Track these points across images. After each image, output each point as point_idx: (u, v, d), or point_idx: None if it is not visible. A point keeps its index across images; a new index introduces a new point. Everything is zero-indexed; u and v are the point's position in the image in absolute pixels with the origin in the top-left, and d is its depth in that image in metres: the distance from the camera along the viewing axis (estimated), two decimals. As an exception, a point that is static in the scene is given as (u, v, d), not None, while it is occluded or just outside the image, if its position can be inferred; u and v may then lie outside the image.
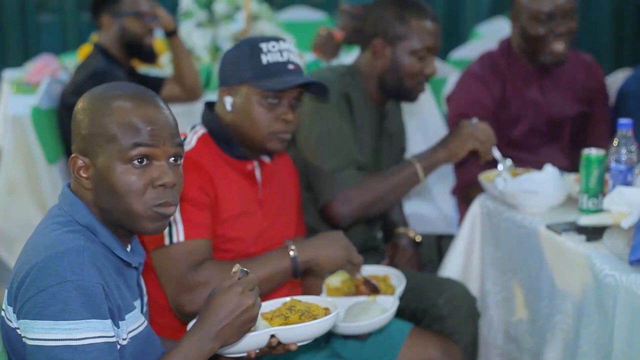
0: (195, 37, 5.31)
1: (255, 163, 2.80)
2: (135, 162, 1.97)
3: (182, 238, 2.58)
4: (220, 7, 5.30)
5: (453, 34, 7.88)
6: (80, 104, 2.02)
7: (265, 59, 2.68)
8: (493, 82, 3.73)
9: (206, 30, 5.32)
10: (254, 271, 2.32)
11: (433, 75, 3.28)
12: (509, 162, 3.24)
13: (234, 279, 2.07)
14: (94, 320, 1.85)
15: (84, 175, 1.99)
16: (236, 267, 2.09)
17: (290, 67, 2.71)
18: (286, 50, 2.72)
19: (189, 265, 2.57)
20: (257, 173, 2.80)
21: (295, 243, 2.67)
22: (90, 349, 1.84)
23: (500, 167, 3.24)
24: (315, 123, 3.09)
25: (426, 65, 3.24)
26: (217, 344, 2.03)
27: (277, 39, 2.73)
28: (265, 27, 5.33)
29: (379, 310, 2.68)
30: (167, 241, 2.58)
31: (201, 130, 2.76)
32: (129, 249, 2.08)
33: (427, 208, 4.75)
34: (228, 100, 2.72)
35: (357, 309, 2.71)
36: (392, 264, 3.34)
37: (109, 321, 1.89)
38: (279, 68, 2.69)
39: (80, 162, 1.99)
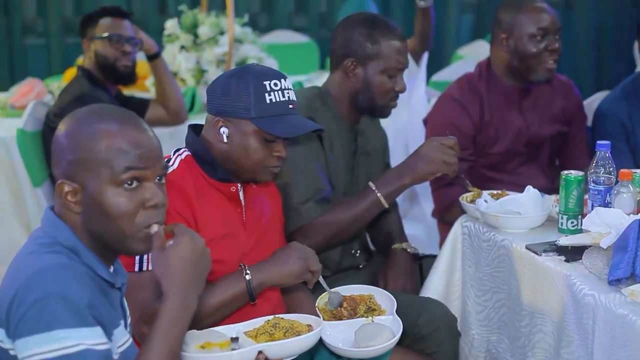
0: (179, 60, 5.35)
1: (239, 185, 2.82)
2: (126, 184, 2.00)
3: (151, 266, 2.59)
4: (204, 31, 5.33)
5: (435, 57, 7.92)
6: (63, 128, 2.03)
7: (268, 98, 2.70)
8: (472, 106, 3.78)
9: (190, 54, 5.35)
10: (210, 297, 2.46)
11: (403, 92, 3.32)
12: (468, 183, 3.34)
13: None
14: (84, 328, 1.87)
15: (72, 199, 2.00)
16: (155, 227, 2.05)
17: (290, 106, 2.75)
18: (287, 89, 2.75)
19: (156, 295, 2.58)
20: (241, 195, 2.82)
21: (251, 266, 2.69)
22: (87, 356, 1.86)
23: (466, 184, 3.31)
24: None
25: (396, 82, 3.28)
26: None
27: (278, 76, 2.75)
28: (249, 51, 5.36)
29: (389, 332, 2.67)
30: (137, 267, 2.60)
31: (185, 153, 2.78)
32: (111, 269, 2.10)
33: (418, 228, 4.79)
34: (224, 132, 2.73)
35: (366, 331, 2.69)
36: (386, 277, 3.36)
37: (99, 329, 1.91)
38: (281, 108, 2.72)
39: (67, 188, 2.00)
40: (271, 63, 5.43)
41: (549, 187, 3.65)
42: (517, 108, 3.83)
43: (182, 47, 5.40)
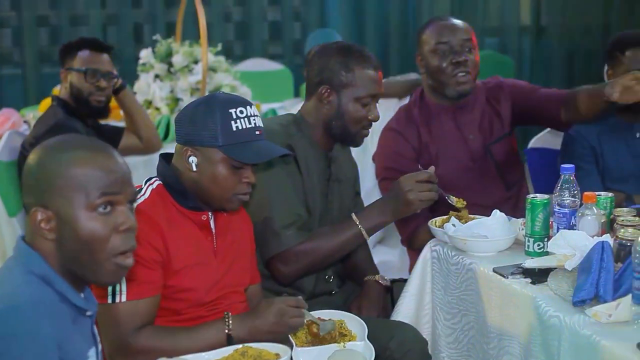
0: (154, 89, 5.39)
1: (210, 214, 2.85)
2: (100, 209, 2.03)
3: (124, 298, 2.63)
4: (178, 60, 5.37)
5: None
6: (35, 158, 2.07)
7: (234, 125, 2.74)
8: (409, 132, 3.85)
9: (165, 82, 5.40)
10: (188, 341, 2.57)
11: (376, 120, 3.36)
12: (454, 199, 3.36)
13: None
14: None
15: (45, 227, 2.02)
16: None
17: (257, 133, 2.79)
18: (253, 116, 2.79)
19: (130, 328, 2.62)
20: (212, 223, 2.86)
21: (235, 317, 2.71)
22: None
23: (452, 201, 3.34)
24: (259, 179, 3.15)
25: (370, 111, 3.33)
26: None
27: (244, 104, 2.80)
28: (223, 79, 5.41)
29: (361, 358, 2.70)
30: (110, 299, 2.63)
31: (156, 182, 2.81)
32: (82, 296, 2.13)
33: (392, 254, 4.83)
34: (193, 160, 2.77)
35: (338, 357, 2.71)
36: (360, 310, 3.38)
37: None
38: (248, 135, 2.76)
39: (40, 215, 2.02)
40: (245, 91, 5.49)
41: (506, 197, 3.71)
42: (453, 125, 3.88)
43: (157, 76, 5.45)
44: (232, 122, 2.74)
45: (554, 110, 3.88)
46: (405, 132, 3.86)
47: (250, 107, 2.80)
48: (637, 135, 4.04)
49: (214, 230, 2.86)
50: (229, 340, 2.67)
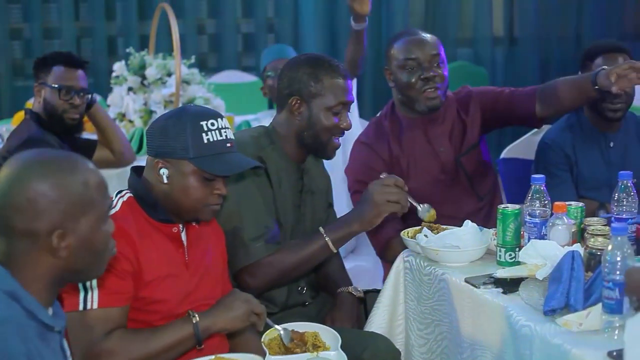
0: (127, 101, 5.38)
1: (181, 226, 2.86)
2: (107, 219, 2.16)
3: (95, 305, 2.64)
4: (151, 72, 5.37)
5: (382, 93, 8.02)
6: (40, 186, 2.06)
7: (205, 138, 2.75)
8: (379, 145, 3.87)
9: (138, 95, 5.39)
10: (157, 340, 2.59)
11: (348, 129, 3.37)
12: (427, 206, 3.35)
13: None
14: None
15: (63, 245, 2.08)
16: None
17: (228, 145, 2.80)
18: (224, 128, 2.80)
19: (100, 334, 2.63)
20: (183, 235, 2.86)
21: (200, 313, 2.74)
22: None
23: (420, 213, 3.34)
24: (229, 190, 3.15)
25: (341, 119, 3.34)
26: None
27: (215, 116, 2.81)
28: (196, 91, 5.41)
29: None
30: (81, 306, 2.63)
31: (127, 195, 2.81)
32: (50, 312, 2.14)
33: (366, 262, 4.83)
34: (164, 173, 2.77)
35: None
36: (334, 322, 3.39)
37: None
38: (219, 147, 2.77)
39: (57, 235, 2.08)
40: (218, 103, 5.50)
41: (478, 208, 3.72)
42: (424, 138, 3.90)
43: (130, 89, 5.44)
44: (203, 134, 2.75)
45: (527, 106, 3.87)
46: (375, 146, 3.88)
47: (222, 119, 2.81)
48: (611, 145, 4.08)
49: (185, 243, 2.87)
50: (196, 331, 2.70)
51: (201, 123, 2.76)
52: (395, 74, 3.83)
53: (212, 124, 2.77)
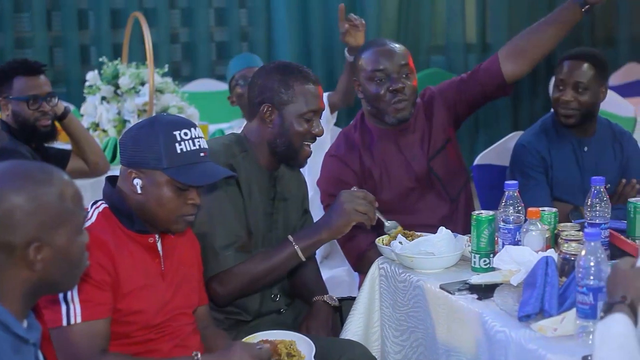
0: (101, 111, 5.37)
1: (157, 236, 2.85)
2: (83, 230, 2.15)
3: (79, 319, 2.62)
4: (124, 82, 5.36)
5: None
6: (15, 199, 2.05)
7: (179, 147, 2.75)
8: (350, 158, 3.86)
9: (112, 104, 5.39)
10: None
11: (320, 135, 3.37)
12: (394, 224, 3.38)
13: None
14: None
15: (39, 258, 2.06)
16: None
17: (202, 154, 2.80)
18: (197, 138, 2.80)
19: (89, 349, 2.62)
20: (159, 246, 2.86)
21: (203, 356, 2.71)
22: None
23: (386, 228, 3.37)
24: (200, 199, 3.16)
25: (313, 126, 3.35)
26: None
27: (188, 125, 2.80)
28: (170, 100, 5.41)
29: None
30: (64, 322, 2.62)
31: (102, 205, 2.80)
32: (25, 324, 2.13)
33: (340, 270, 4.83)
34: (137, 183, 2.77)
35: None
36: (309, 330, 3.39)
37: None
38: (192, 157, 2.77)
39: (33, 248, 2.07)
40: (192, 112, 5.49)
41: (451, 215, 3.74)
42: (395, 148, 3.89)
43: (103, 98, 5.43)
44: (177, 144, 2.75)
45: (494, 75, 3.86)
46: (346, 158, 3.87)
47: (195, 128, 2.81)
48: (585, 149, 4.11)
49: (161, 253, 2.86)
50: None
51: (174, 133, 2.75)
52: (363, 85, 3.82)
53: (185, 134, 2.77)
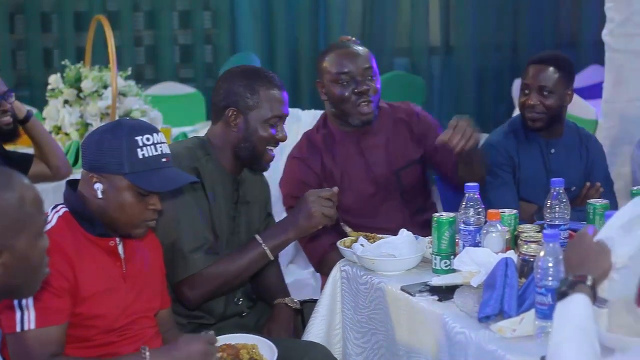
0: (63, 114, 5.35)
1: (118, 240, 2.84)
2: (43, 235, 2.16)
3: (33, 326, 2.61)
4: (87, 85, 5.34)
5: (320, 102, 8.04)
6: None
7: (141, 153, 2.73)
8: (312, 160, 3.87)
9: (74, 108, 5.36)
10: None
11: (284, 140, 3.39)
12: (348, 229, 3.44)
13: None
14: None
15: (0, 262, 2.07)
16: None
17: (164, 160, 2.79)
18: (160, 143, 2.79)
19: (41, 356, 2.60)
20: (120, 249, 2.84)
21: (152, 351, 2.68)
22: None
23: (346, 230, 3.41)
24: (167, 204, 3.14)
25: (278, 131, 3.36)
26: None
27: (151, 131, 2.79)
28: (133, 104, 5.39)
29: None
30: (18, 328, 2.60)
31: (63, 209, 2.79)
32: None
33: (305, 274, 4.84)
34: (99, 187, 2.75)
35: None
36: (271, 333, 3.40)
37: None
38: (154, 163, 2.76)
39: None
40: (155, 115, 5.48)
41: (411, 222, 3.75)
42: (357, 151, 3.90)
43: (66, 102, 5.41)
44: (139, 149, 2.74)
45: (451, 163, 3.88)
46: (308, 160, 3.87)
47: (157, 134, 2.80)
48: (552, 152, 4.14)
49: (122, 256, 2.85)
50: None
51: (136, 138, 2.74)
52: (328, 87, 3.82)
53: (148, 139, 2.76)
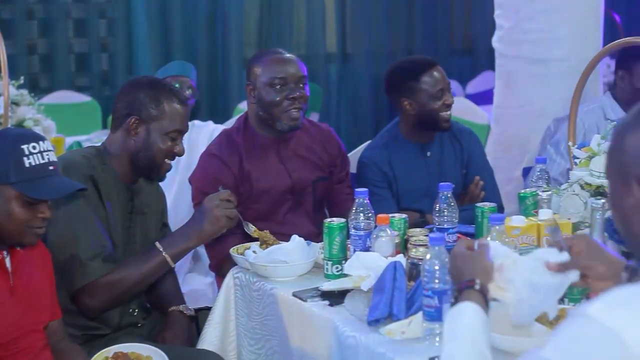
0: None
1: (5, 252, 2.80)
2: None
3: None
4: (-23, 94, 5.26)
5: (218, 111, 8.05)
6: None
7: (27, 162, 2.71)
8: (230, 159, 3.86)
9: (-37, 118, 5.27)
10: None
11: (181, 154, 3.40)
12: (250, 225, 3.45)
13: None
14: None
15: None
16: None
17: (51, 168, 2.77)
18: (47, 151, 2.77)
19: None
20: (8, 262, 2.81)
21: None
22: None
23: (249, 230, 3.43)
24: (62, 212, 3.13)
25: (176, 145, 3.37)
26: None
27: (36, 139, 2.77)
28: (26, 113, 5.32)
29: None
30: None
31: (-54, 223, 2.75)
32: None
33: (203, 283, 4.82)
34: None
35: None
36: (165, 341, 3.39)
37: None
38: (41, 171, 2.74)
39: None
40: (48, 124, 5.41)
41: (316, 233, 3.77)
42: (276, 157, 3.92)
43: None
44: (25, 158, 2.71)
45: (338, 203, 4.01)
46: (227, 159, 3.86)
47: (44, 142, 2.78)
48: (428, 154, 4.20)
49: (10, 269, 2.81)
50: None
51: (22, 147, 2.72)
52: (260, 91, 3.83)
53: (34, 147, 2.74)
